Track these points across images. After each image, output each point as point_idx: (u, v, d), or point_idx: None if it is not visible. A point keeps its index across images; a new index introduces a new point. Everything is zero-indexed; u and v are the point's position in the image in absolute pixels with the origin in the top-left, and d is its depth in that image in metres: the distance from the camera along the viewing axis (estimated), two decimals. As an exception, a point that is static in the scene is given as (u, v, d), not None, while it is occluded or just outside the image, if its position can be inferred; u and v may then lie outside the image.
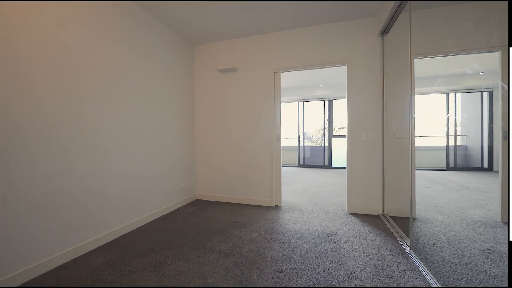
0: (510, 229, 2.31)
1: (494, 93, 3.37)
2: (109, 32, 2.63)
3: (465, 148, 4.13)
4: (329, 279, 1.90)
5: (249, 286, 1.83)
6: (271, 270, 2.03)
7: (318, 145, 9.14)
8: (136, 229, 2.93)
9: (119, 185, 2.74)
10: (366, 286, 1.82)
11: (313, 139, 9.47)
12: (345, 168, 3.63)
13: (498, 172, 2.45)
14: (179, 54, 3.89)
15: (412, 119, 2.34)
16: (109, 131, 2.62)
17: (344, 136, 8.13)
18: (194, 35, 3.92)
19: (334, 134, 8.66)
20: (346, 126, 3.56)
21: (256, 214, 3.46)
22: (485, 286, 1.78)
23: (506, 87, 2.20)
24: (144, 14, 3.12)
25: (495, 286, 1.79)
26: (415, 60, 2.36)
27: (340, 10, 3.21)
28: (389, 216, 3.17)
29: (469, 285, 1.78)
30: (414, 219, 3.00)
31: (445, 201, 3.52)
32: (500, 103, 2.57)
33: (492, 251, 2.20)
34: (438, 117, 4.29)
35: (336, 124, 8.84)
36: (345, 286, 1.83)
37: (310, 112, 9.18)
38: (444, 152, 4.44)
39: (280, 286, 1.83)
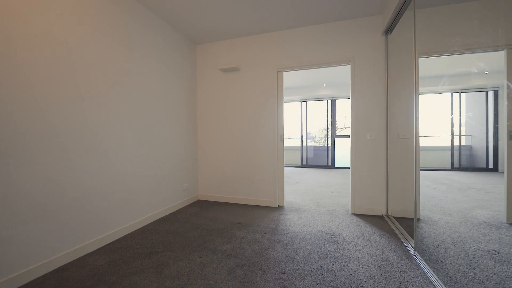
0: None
1: (500, 93, 3.33)
2: (110, 31, 2.63)
3: (470, 148, 4.08)
4: (332, 280, 1.89)
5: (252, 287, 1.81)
6: (274, 271, 2.02)
7: (321, 145, 9.10)
8: (137, 230, 2.93)
9: (120, 186, 2.74)
10: (370, 287, 1.80)
11: (316, 139, 9.43)
12: (348, 168, 3.62)
13: (503, 172, 2.41)
14: (181, 54, 3.89)
15: (417, 118, 2.32)
16: (109, 131, 2.62)
17: (347, 136, 8.10)
18: (197, 34, 3.92)
19: (337, 134, 8.63)
20: (350, 126, 3.54)
21: (258, 215, 3.45)
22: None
23: (511, 86, 2.16)
24: (146, 13, 3.13)
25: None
26: (420, 59, 2.34)
27: (343, 8, 3.19)
28: (393, 217, 3.14)
29: (474, 287, 1.76)
30: (418, 219, 2.96)
31: (449, 202, 3.48)
32: (506, 102, 2.53)
33: (498, 253, 2.17)
34: (443, 117, 4.24)
35: (339, 124, 8.80)
36: (348, 287, 1.81)
37: (313, 112, 9.16)
38: (449, 152, 4.40)
39: (283, 287, 1.81)
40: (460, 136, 4.12)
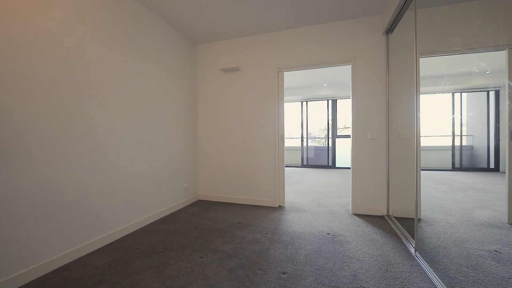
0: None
1: (501, 92, 3.31)
2: (110, 31, 2.63)
3: (471, 148, 4.07)
4: (333, 280, 1.88)
5: None
6: (274, 271, 2.02)
7: (322, 145, 9.10)
8: (138, 230, 2.93)
9: (120, 186, 2.74)
10: (370, 288, 1.80)
11: (317, 139, 9.43)
12: (349, 168, 3.61)
13: (504, 172, 2.40)
14: (182, 54, 3.89)
15: (418, 118, 2.31)
16: (110, 131, 2.62)
17: (348, 136, 8.10)
18: (197, 34, 3.92)
19: (338, 134, 8.62)
20: (350, 126, 3.53)
21: (259, 215, 3.45)
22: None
23: (513, 86, 2.16)
24: (146, 13, 3.13)
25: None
26: (421, 59, 2.33)
27: (343, 8, 3.19)
28: (394, 217, 3.14)
29: (476, 288, 1.75)
30: (419, 220, 2.96)
31: (450, 202, 3.47)
32: (507, 102, 2.52)
33: (499, 253, 2.16)
34: (444, 116, 4.23)
35: (340, 124, 8.79)
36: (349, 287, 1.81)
37: (314, 111, 9.15)
38: (450, 152, 4.38)
39: (284, 287, 1.81)
40: (461, 136, 4.10)
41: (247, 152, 4.05)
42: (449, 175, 4.60)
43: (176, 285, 1.84)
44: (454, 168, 4.51)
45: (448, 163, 4.57)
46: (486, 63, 3.26)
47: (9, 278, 1.77)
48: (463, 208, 3.27)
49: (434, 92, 4.51)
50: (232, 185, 4.16)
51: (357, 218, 3.26)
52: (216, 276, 1.95)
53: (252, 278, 1.92)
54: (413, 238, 2.36)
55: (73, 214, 2.23)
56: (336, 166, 8.57)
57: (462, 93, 4.13)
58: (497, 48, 2.44)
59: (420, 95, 2.36)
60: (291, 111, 9.39)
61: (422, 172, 2.57)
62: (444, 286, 1.74)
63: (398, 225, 2.89)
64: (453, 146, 4.26)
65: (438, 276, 1.86)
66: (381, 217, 3.30)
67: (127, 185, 2.83)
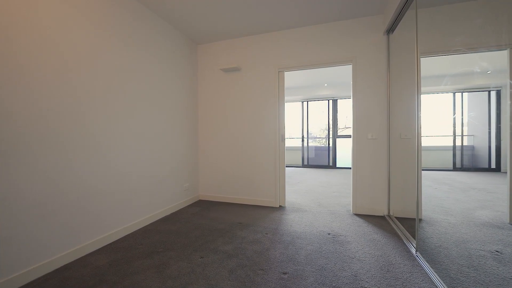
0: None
1: (502, 92, 3.31)
2: (111, 31, 2.63)
3: (472, 148, 4.06)
4: (334, 280, 1.88)
5: None
6: (275, 271, 2.01)
7: (323, 145, 9.09)
8: (139, 230, 2.93)
9: (120, 186, 2.74)
10: (371, 288, 1.80)
11: (318, 139, 9.43)
12: (349, 168, 3.61)
13: (506, 172, 2.40)
14: (182, 54, 3.89)
15: (418, 118, 2.31)
16: (110, 131, 2.61)
17: (349, 136, 8.09)
18: (198, 34, 3.92)
19: (338, 134, 8.61)
20: (351, 126, 3.53)
21: (260, 215, 3.44)
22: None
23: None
24: (147, 13, 3.13)
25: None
26: (422, 59, 2.33)
27: (344, 8, 3.18)
28: (395, 217, 3.13)
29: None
30: (420, 220, 2.95)
31: (451, 202, 3.47)
32: (509, 102, 2.52)
33: (501, 253, 2.16)
34: (445, 116, 4.23)
35: (340, 124, 8.79)
36: (350, 288, 1.80)
37: (315, 111, 9.14)
38: (451, 152, 4.38)
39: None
40: (462, 136, 4.10)
41: (247, 152, 4.05)
42: (450, 175, 4.59)
43: (177, 285, 1.84)
44: (455, 168, 4.50)
45: (449, 163, 4.56)
46: (487, 63, 3.25)
47: (9, 278, 1.77)
48: (464, 208, 3.26)
49: (435, 92, 4.51)
50: (233, 185, 4.16)
51: (358, 218, 3.26)
52: (217, 276, 1.94)
53: (252, 278, 1.92)
54: (414, 238, 2.36)
55: (73, 214, 2.23)
56: (337, 166, 8.56)
57: (463, 93, 4.13)
58: (499, 47, 2.44)
59: (421, 95, 2.35)
60: (291, 111, 9.39)
61: (423, 172, 2.56)
62: (445, 287, 1.74)
63: (399, 225, 2.88)
64: (454, 146, 4.25)
65: (439, 277, 1.85)
66: (382, 217, 3.29)
67: (127, 185, 2.83)
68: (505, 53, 2.29)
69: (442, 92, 4.40)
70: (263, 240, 2.62)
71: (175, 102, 3.70)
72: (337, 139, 8.58)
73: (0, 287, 1.72)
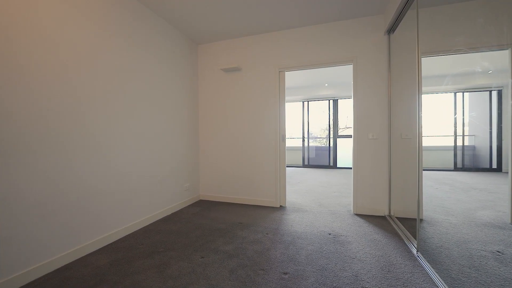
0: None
1: (504, 92, 3.31)
2: (111, 31, 2.63)
3: (473, 148, 4.06)
4: (334, 281, 1.87)
5: None
6: (275, 271, 2.01)
7: (323, 145, 9.09)
8: (139, 230, 2.93)
9: (120, 186, 2.74)
10: (372, 288, 1.79)
11: (318, 139, 9.42)
12: (350, 168, 3.60)
13: (507, 172, 2.40)
14: (183, 54, 3.89)
15: (419, 118, 2.30)
16: (110, 131, 2.61)
17: (349, 136, 8.09)
18: (198, 34, 3.91)
19: (339, 134, 8.60)
20: (352, 126, 3.52)
21: (260, 215, 3.44)
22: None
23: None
24: (147, 13, 3.12)
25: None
26: (423, 59, 2.32)
27: (344, 8, 3.17)
28: (396, 217, 3.13)
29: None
30: (421, 220, 2.95)
31: (452, 202, 3.46)
32: (510, 102, 2.51)
33: (502, 254, 2.15)
34: (446, 116, 4.22)
35: (341, 123, 8.78)
36: (351, 288, 1.80)
37: (315, 111, 9.14)
38: (452, 152, 4.38)
39: (284, 288, 1.80)
40: (463, 136, 4.10)
41: (248, 152, 4.04)
42: (451, 175, 4.59)
43: (178, 285, 1.84)
44: (456, 168, 4.50)
45: (450, 163, 4.56)
46: (488, 62, 3.24)
47: (9, 279, 1.77)
48: (465, 208, 3.26)
49: (436, 92, 4.50)
50: (233, 185, 4.16)
51: (358, 218, 3.25)
52: (217, 276, 1.94)
53: (253, 278, 1.91)
54: (415, 239, 2.35)
55: (74, 214, 2.23)
56: (338, 166, 8.55)
57: (464, 93, 4.12)
58: (500, 47, 2.43)
59: (422, 95, 2.35)
60: (292, 111, 9.39)
61: (424, 172, 2.56)
62: (446, 287, 1.73)
63: (399, 225, 2.88)
64: (455, 146, 4.25)
65: (440, 277, 1.85)
66: (383, 217, 3.29)
67: (127, 185, 2.82)
68: (506, 53, 2.28)
69: (443, 92, 4.39)
70: (263, 240, 2.62)
71: (175, 102, 3.70)
72: (337, 139, 8.57)
73: (0, 287, 1.71)
